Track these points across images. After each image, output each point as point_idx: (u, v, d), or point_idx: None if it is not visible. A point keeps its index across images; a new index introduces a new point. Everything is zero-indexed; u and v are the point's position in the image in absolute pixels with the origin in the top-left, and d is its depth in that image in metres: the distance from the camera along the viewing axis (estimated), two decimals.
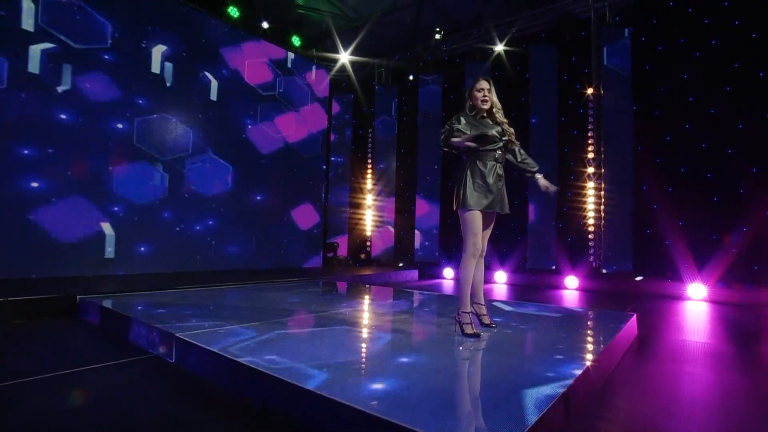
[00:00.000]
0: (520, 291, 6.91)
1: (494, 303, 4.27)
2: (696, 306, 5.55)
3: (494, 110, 2.80)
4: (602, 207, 7.01)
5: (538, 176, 2.86)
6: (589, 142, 7.30)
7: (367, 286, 6.05)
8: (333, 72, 10.06)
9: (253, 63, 8.16)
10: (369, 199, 10.26)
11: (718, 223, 6.19)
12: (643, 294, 6.39)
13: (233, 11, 8.43)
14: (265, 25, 9.00)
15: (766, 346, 3.41)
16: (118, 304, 3.68)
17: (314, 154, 9.14)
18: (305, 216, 8.83)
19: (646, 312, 4.86)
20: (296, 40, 9.72)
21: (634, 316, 3.60)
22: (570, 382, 1.82)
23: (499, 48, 8.16)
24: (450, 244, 8.88)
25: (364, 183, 10.32)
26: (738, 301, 5.74)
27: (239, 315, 3.34)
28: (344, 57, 9.97)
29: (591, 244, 7.14)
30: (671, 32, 6.77)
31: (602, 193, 7.03)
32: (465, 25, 8.92)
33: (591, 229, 7.15)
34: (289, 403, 1.79)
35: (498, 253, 8.07)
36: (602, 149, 7.04)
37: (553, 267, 7.38)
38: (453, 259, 8.72)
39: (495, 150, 2.74)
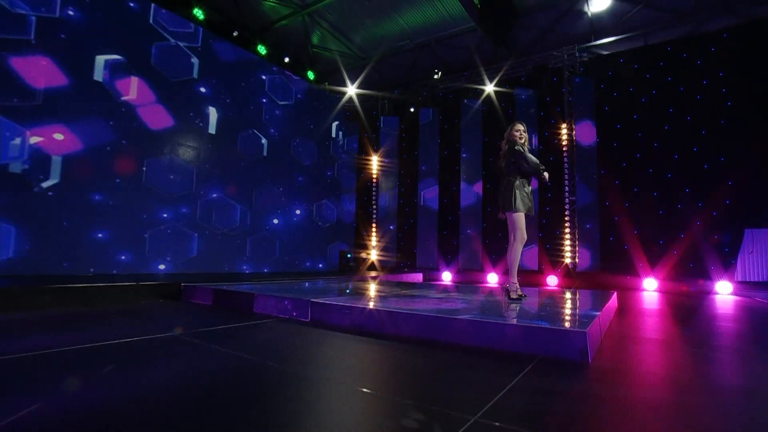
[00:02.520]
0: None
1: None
2: (650, 294, 6.94)
3: (527, 145, 3.97)
4: (575, 219, 8.42)
5: None
6: (564, 166, 8.76)
7: (397, 281, 6.99)
8: (341, 103, 11.15)
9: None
10: (374, 214, 11.28)
11: (663, 231, 7.71)
12: (610, 287, 7.74)
13: (261, 49, 9.42)
14: (286, 60, 10.03)
15: (694, 311, 4.76)
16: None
17: (331, 176, 10.11)
18: (325, 230, 9.70)
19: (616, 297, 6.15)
20: (311, 74, 10.79)
21: (615, 293, 4.84)
22: (597, 314, 2.94)
23: (489, 88, 9.60)
24: (447, 252, 10.01)
25: (369, 201, 11.34)
26: (680, 290, 7.20)
27: (334, 293, 4.24)
28: (351, 90, 11.11)
29: (567, 249, 8.51)
30: (623, 82, 8.42)
31: (575, 207, 8.45)
32: (458, 68, 10.33)
33: (567, 236, 8.53)
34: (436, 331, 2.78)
35: (491, 258, 9.29)
36: (574, 172, 8.51)
37: (537, 268, 8.66)
38: (450, 264, 9.84)
39: (528, 173, 3.89)
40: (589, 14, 8.45)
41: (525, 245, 8.54)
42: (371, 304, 3.34)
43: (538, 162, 3.84)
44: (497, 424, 1.45)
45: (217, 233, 7.49)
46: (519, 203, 3.77)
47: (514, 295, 3.78)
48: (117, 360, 2.21)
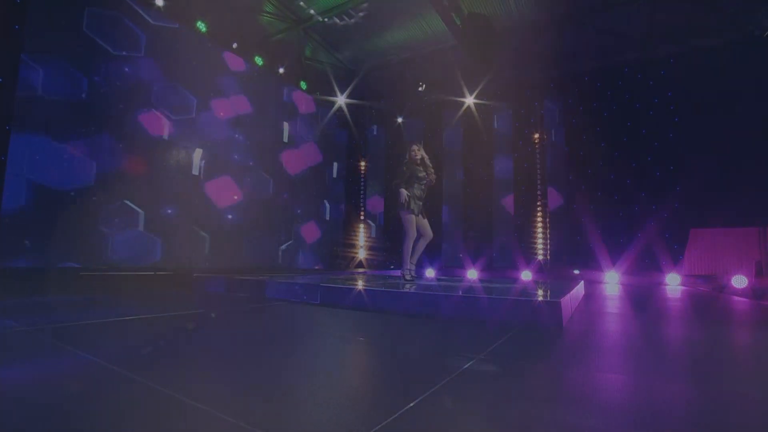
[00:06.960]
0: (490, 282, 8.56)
1: (495, 281, 5.81)
2: (612, 285, 7.54)
3: (425, 160, 4.57)
4: (547, 220, 8.99)
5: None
6: (537, 172, 9.35)
7: (385, 275, 7.33)
8: (332, 112, 11.46)
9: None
10: (361, 215, 11.60)
11: (623, 231, 8.36)
12: (578, 280, 8.32)
13: (259, 60, 9.66)
14: (281, 70, 10.28)
15: (647, 297, 5.32)
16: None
17: (321, 183, 10.40)
18: (312, 231, 9.96)
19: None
20: (303, 85, 11.07)
21: (582, 281, 5.34)
22: (568, 292, 3.38)
23: (469, 101, 10.13)
24: (431, 251, 10.42)
25: (358, 203, 11.67)
26: (636, 283, 7.83)
27: (336, 282, 4.54)
28: (341, 99, 11.44)
29: (540, 246, 9.07)
30: (587, 99, 9.10)
31: (547, 209, 9.03)
32: (441, 81, 10.82)
33: (540, 236, 9.10)
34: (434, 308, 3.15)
35: (470, 255, 9.76)
36: (546, 178, 9.10)
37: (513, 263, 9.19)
38: (434, 262, 10.25)
39: (422, 183, 4.55)
40: (559, 37, 9.10)
41: (503, 242, 9.12)
42: (375, 288, 3.67)
43: (400, 180, 4.58)
44: (500, 358, 1.82)
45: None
46: (411, 207, 4.45)
47: (408, 277, 4.36)
48: (198, 324, 2.48)
